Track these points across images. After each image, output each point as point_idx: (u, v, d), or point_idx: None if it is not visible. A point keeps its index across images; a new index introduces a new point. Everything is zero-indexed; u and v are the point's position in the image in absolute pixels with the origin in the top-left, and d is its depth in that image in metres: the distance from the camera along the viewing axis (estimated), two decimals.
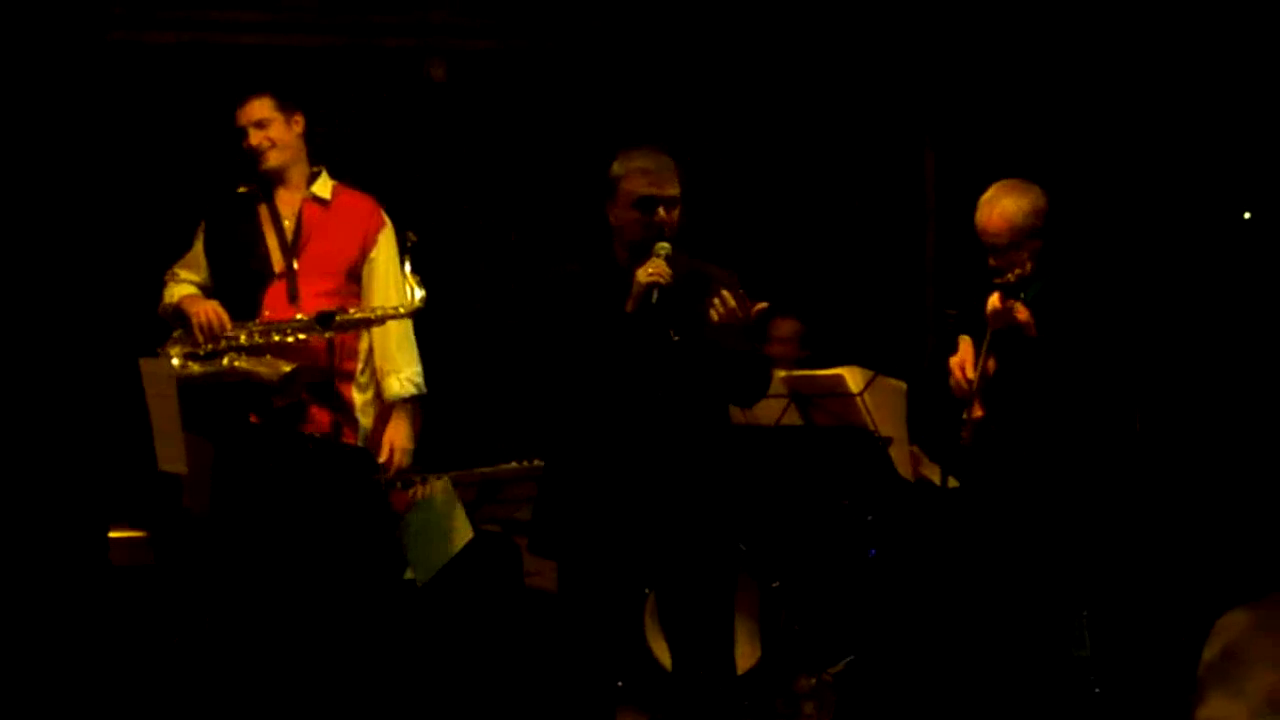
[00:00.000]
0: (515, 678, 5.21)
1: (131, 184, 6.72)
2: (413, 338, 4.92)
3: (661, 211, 4.17)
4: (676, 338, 4.12)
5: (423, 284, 4.70)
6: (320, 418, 4.76)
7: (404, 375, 4.87)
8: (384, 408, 4.90)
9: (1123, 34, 6.51)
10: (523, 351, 4.47)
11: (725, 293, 4.08)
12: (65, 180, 6.49)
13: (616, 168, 4.24)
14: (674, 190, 4.20)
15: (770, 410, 5.68)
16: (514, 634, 5.39)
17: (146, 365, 4.86)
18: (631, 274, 4.16)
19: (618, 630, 4.32)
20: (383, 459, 4.83)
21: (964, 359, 4.71)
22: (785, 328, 6.38)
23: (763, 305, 4.13)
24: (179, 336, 4.81)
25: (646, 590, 5.19)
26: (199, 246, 4.94)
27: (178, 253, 5.06)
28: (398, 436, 4.85)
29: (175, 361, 4.75)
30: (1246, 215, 6.39)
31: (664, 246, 4.13)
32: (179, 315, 4.83)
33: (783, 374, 5.80)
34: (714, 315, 4.09)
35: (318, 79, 6.74)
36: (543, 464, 4.58)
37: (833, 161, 7.29)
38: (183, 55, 6.81)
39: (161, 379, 4.84)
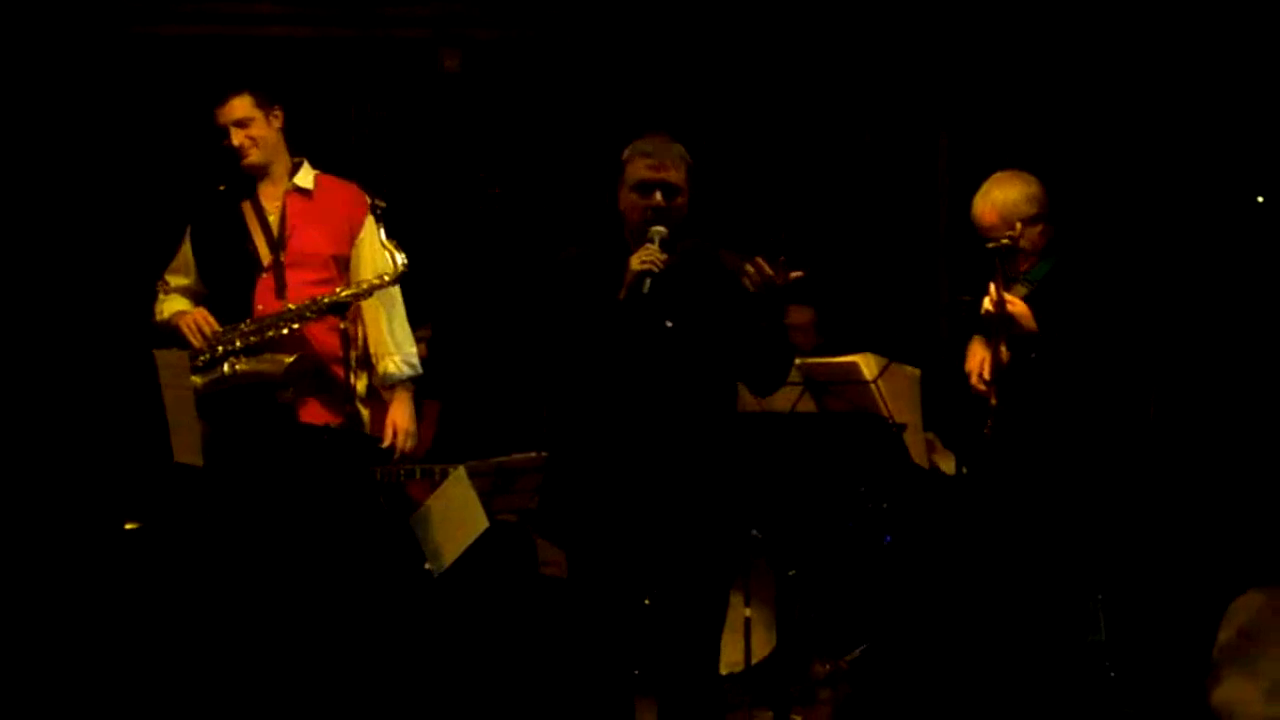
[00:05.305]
0: (530, 666, 5.22)
1: (147, 176, 6.74)
2: (406, 319, 4.89)
3: (658, 195, 4.13)
4: (670, 325, 4.08)
5: (401, 248, 4.65)
6: (323, 407, 4.72)
7: (399, 357, 4.85)
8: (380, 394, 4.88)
9: (1138, 15, 6.49)
10: (521, 338, 4.46)
11: (760, 260, 4.03)
12: (84, 173, 6.52)
13: (625, 153, 4.22)
14: (674, 175, 4.14)
15: (784, 397, 5.67)
16: (529, 623, 5.40)
17: (162, 356, 4.87)
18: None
19: (631, 618, 4.29)
20: (387, 443, 4.82)
21: (982, 359, 4.70)
22: (800, 315, 6.37)
23: (798, 274, 4.07)
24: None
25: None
26: (186, 249, 4.89)
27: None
28: (400, 418, 4.84)
29: None
30: (1260, 199, 6.38)
31: (659, 230, 4.09)
32: (172, 331, 4.79)
33: (797, 361, 5.78)
34: (748, 285, 4.04)
35: (332, 70, 6.75)
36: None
37: (846, 148, 7.28)
38: (197, 48, 6.82)
39: (177, 370, 4.85)
